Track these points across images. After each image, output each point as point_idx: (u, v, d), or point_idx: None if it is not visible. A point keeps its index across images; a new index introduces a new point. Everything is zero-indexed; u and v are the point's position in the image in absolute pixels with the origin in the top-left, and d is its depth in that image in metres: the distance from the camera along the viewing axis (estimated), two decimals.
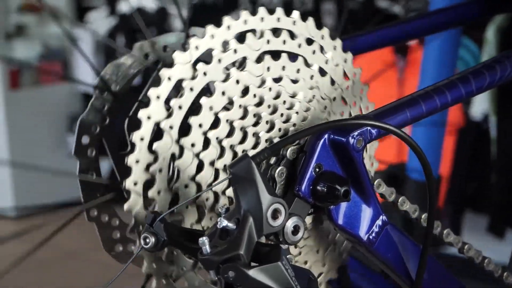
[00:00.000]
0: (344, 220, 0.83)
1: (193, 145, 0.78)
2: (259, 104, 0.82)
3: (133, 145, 0.76)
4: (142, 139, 0.76)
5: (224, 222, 0.71)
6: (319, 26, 0.87)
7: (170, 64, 0.77)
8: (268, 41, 0.83)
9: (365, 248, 0.85)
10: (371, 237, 0.84)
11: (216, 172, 0.80)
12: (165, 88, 0.77)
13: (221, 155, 0.80)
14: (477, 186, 3.40)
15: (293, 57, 0.85)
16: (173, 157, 0.77)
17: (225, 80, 0.80)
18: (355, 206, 0.83)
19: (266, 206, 0.72)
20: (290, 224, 0.76)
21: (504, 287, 1.00)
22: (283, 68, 0.84)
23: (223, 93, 0.80)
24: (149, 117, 0.76)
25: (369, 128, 0.81)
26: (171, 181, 0.78)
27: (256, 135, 0.81)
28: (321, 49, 0.88)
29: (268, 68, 0.83)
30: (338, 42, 0.89)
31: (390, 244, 0.86)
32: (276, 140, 0.82)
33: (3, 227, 4.40)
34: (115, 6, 4.66)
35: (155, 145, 0.76)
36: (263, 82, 0.82)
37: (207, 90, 0.79)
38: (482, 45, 3.16)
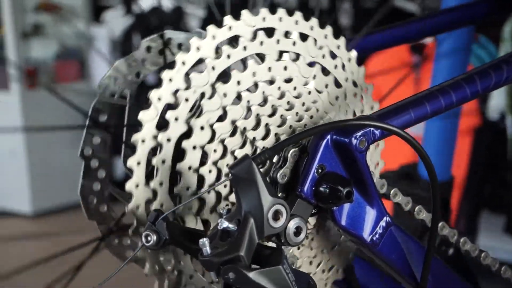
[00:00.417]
0: (348, 221, 0.82)
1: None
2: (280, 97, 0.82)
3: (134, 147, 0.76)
4: (143, 141, 0.76)
5: (225, 223, 0.71)
6: (322, 25, 0.87)
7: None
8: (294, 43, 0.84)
9: (369, 249, 0.84)
10: (374, 238, 0.84)
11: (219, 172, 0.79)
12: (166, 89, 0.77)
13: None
14: (494, 186, 3.38)
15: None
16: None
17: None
18: (358, 207, 0.82)
19: (267, 207, 0.72)
20: (292, 225, 0.76)
21: None
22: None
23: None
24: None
25: (372, 128, 0.80)
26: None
27: (267, 126, 0.81)
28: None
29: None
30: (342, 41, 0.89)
31: (394, 245, 0.85)
32: (283, 137, 0.81)
33: (20, 226, 4.43)
34: (131, 5, 4.68)
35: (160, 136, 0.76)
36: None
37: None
38: (499, 43, 3.14)
